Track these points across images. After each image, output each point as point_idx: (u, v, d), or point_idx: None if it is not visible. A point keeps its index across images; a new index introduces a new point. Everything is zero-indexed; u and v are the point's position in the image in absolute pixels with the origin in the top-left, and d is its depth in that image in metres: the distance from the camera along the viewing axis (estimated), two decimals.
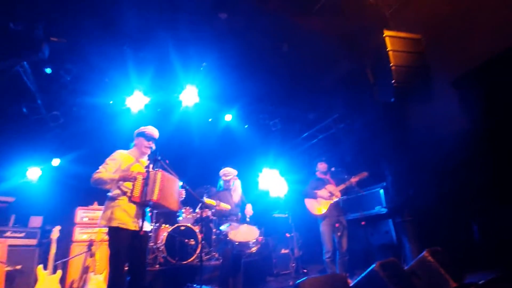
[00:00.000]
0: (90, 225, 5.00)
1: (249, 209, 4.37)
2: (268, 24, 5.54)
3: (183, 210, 5.75)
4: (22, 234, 4.97)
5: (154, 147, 3.09)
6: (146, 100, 6.31)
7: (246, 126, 7.64)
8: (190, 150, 7.20)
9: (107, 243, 4.51)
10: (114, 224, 2.74)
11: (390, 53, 4.83)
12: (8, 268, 4.47)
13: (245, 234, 3.87)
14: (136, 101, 6.19)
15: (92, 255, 4.63)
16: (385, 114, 5.40)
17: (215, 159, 6.77)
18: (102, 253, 4.68)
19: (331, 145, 6.64)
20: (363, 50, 5.88)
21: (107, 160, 2.98)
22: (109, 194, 2.90)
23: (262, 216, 6.21)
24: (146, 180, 2.81)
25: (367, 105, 6.01)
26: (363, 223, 4.82)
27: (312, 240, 5.69)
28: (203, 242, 5.07)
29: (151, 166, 2.91)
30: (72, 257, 4.65)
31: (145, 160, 3.18)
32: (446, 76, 4.61)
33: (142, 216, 2.77)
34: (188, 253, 4.94)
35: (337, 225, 4.33)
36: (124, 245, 2.73)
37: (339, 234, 4.29)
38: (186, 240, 4.97)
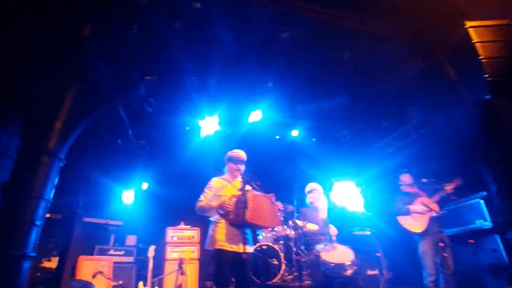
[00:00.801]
0: (179, 244, 5.29)
1: (333, 229, 4.14)
2: (328, 35, 5.43)
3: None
4: (122, 252, 5.47)
5: (243, 169, 3.15)
6: (216, 122, 6.60)
7: (313, 140, 7.48)
8: (261, 168, 7.26)
9: (196, 262, 4.69)
10: (217, 246, 2.85)
11: (477, 45, 4.29)
12: (114, 284, 4.94)
13: (340, 255, 3.65)
14: (208, 124, 6.54)
15: (183, 273, 4.86)
16: (478, 112, 4.71)
17: (285, 177, 6.73)
18: (192, 271, 4.89)
19: (411, 153, 6.02)
20: (439, 46, 5.35)
21: (205, 189, 3.19)
22: (211, 218, 3.08)
23: (340, 234, 5.85)
24: (239, 202, 2.91)
25: (451, 105, 5.34)
26: (471, 241, 4.16)
27: (402, 260, 5.13)
28: (285, 262, 4.94)
29: (245, 187, 3.00)
30: (166, 275, 4.94)
31: (238, 182, 3.24)
32: None
33: (242, 237, 2.86)
34: (272, 273, 4.84)
35: (441, 244, 3.80)
36: (227, 267, 2.81)
37: (445, 254, 3.75)
38: (270, 260, 4.89)
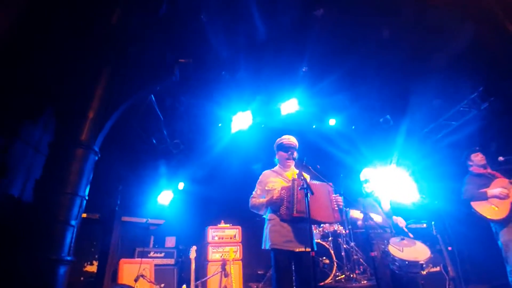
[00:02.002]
0: (221, 244, 4.90)
1: (401, 220, 3.53)
2: (366, 8, 4.84)
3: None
4: (162, 254, 5.18)
5: (295, 155, 2.67)
6: (249, 115, 6.20)
7: (353, 127, 6.83)
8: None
9: (239, 262, 4.25)
10: (268, 246, 2.54)
11: None
12: (156, 287, 4.63)
13: (415, 251, 3.05)
14: (241, 119, 6.15)
15: (226, 275, 4.47)
16: None
17: (327, 168, 6.14)
18: (235, 272, 4.47)
19: (470, 132, 5.20)
20: (496, 5, 4.56)
21: (256, 185, 2.83)
22: (264, 216, 2.72)
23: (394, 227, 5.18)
24: (289, 194, 2.48)
25: None
26: None
27: (477, 254, 4.37)
28: (336, 260, 4.40)
29: (301, 175, 2.52)
30: (210, 277, 4.56)
31: (291, 172, 2.80)
32: None
33: (298, 234, 2.44)
34: (323, 272, 4.31)
35: None
36: (284, 268, 2.42)
37: None
38: (320, 259, 4.36)
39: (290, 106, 6.13)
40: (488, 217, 3.47)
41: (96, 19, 3.01)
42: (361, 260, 5.03)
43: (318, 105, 6.45)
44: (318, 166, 2.53)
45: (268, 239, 2.54)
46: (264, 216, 2.73)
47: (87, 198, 2.44)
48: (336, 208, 2.52)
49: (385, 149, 6.69)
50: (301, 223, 2.46)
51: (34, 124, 2.69)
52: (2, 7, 2.26)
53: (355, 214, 3.28)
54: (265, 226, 2.66)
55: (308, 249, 2.43)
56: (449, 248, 4.17)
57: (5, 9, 2.27)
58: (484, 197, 3.52)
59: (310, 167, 2.52)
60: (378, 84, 6.14)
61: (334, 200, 2.53)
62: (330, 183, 2.57)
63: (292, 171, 2.80)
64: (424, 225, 5.25)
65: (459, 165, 4.48)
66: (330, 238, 4.81)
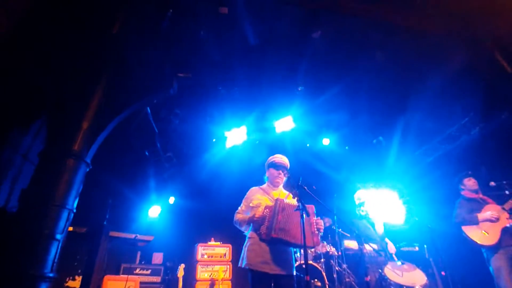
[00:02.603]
0: (210, 263, 4.73)
1: (391, 245, 3.48)
2: (362, 33, 5.01)
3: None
4: (149, 271, 4.98)
5: (286, 175, 2.63)
6: (244, 132, 6.20)
7: (346, 148, 6.87)
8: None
9: (228, 282, 4.09)
10: (243, 264, 2.43)
11: None
12: None
13: (411, 277, 2.99)
14: (235, 135, 6.14)
15: None
16: None
17: (321, 188, 6.11)
18: None
19: (462, 156, 5.28)
20: (488, 37, 4.78)
21: (243, 200, 2.76)
22: (245, 233, 2.63)
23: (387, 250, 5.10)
24: (270, 214, 2.41)
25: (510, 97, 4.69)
26: None
27: (468, 278, 4.32)
28: (328, 282, 4.27)
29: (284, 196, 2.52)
30: None
31: (278, 191, 2.75)
32: None
33: (276, 257, 2.35)
34: None
35: None
36: None
37: None
38: (312, 281, 4.23)
39: (285, 123, 6.16)
40: (479, 242, 3.45)
41: (96, 28, 3.01)
42: (353, 283, 4.91)
43: (312, 123, 6.50)
44: (314, 187, 2.49)
45: (245, 258, 2.43)
46: (245, 233, 2.64)
47: (75, 211, 2.33)
48: (316, 232, 2.41)
49: (377, 170, 6.73)
50: (281, 244, 2.39)
51: (25, 131, 2.60)
52: (2, 10, 2.23)
53: (350, 244, 3.21)
54: (244, 244, 2.57)
55: (284, 273, 2.35)
56: (443, 273, 4.12)
57: (5, 13, 2.25)
58: (476, 222, 3.52)
59: (305, 187, 2.47)
60: (372, 105, 6.26)
61: (314, 223, 2.42)
62: (312, 205, 2.48)
63: (280, 191, 2.74)
64: (416, 248, 5.20)
65: (450, 188, 4.51)
66: (322, 260, 4.70)
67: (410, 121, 5.97)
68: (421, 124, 5.65)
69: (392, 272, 3.02)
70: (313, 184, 2.66)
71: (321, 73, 5.72)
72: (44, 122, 2.69)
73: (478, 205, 3.68)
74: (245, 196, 2.76)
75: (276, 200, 2.44)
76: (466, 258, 4.35)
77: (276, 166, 2.73)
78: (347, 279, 4.96)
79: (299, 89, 5.78)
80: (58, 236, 2.10)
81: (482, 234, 3.45)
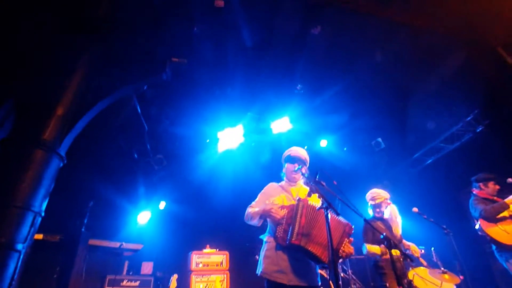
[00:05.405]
0: (206, 272, 4.22)
1: (415, 248, 3.12)
2: (362, 31, 4.77)
3: None
4: (137, 283, 4.42)
5: (304, 170, 2.23)
6: (239, 133, 5.80)
7: (345, 149, 6.55)
8: None
9: None
10: (259, 273, 2.11)
11: None
12: None
13: (442, 285, 2.60)
14: (230, 136, 5.74)
15: None
16: None
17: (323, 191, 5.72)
18: None
19: (466, 154, 4.99)
20: (490, 34, 4.60)
21: (259, 195, 2.40)
22: (262, 236, 2.26)
23: None
24: (291, 216, 2.00)
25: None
26: None
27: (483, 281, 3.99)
28: None
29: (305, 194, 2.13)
30: None
31: (299, 187, 2.37)
32: None
33: (295, 266, 1.97)
34: None
35: None
36: None
37: None
38: None
39: (281, 124, 5.80)
40: (501, 241, 3.14)
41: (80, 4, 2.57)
42: None
43: (310, 124, 6.17)
44: (335, 182, 2.08)
45: (261, 265, 2.10)
46: (261, 237, 2.26)
47: (43, 214, 1.83)
48: (343, 255, 1.99)
49: (376, 172, 6.43)
50: (297, 251, 1.98)
51: None
52: None
53: (373, 249, 2.81)
54: (261, 248, 2.20)
55: (307, 284, 1.97)
56: (461, 277, 3.76)
57: None
58: (493, 220, 3.21)
59: (323, 183, 2.07)
60: (371, 106, 6.00)
61: (345, 245, 1.99)
62: (351, 225, 2.04)
63: (299, 187, 2.37)
64: (422, 251, 4.87)
65: (453, 190, 4.22)
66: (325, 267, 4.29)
67: (411, 121, 5.71)
68: (422, 124, 5.39)
69: (428, 282, 2.62)
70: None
71: (320, 73, 5.43)
72: (12, 109, 2.20)
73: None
74: (262, 190, 2.43)
75: (299, 199, 2.04)
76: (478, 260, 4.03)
77: (292, 159, 2.38)
78: (352, 286, 4.56)
79: (298, 87, 5.44)
80: (19, 246, 1.60)
81: (504, 233, 3.13)
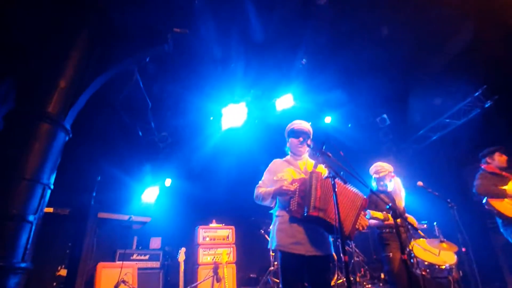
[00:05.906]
0: (212, 245, 4.32)
1: (412, 219, 3.14)
2: (366, 5, 4.55)
3: None
4: (147, 257, 4.56)
5: (309, 142, 2.21)
6: (243, 110, 5.72)
7: (349, 125, 6.48)
8: None
9: (233, 265, 3.71)
10: (273, 246, 2.14)
11: None
12: None
13: (448, 256, 2.64)
14: (234, 114, 5.67)
15: (219, 280, 3.90)
16: None
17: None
18: (229, 276, 3.92)
19: (473, 130, 4.90)
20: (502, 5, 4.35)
21: (264, 173, 2.41)
22: (272, 211, 2.27)
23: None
24: (304, 189, 2.01)
25: None
26: None
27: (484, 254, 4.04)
28: (338, 264, 3.96)
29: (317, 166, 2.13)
30: (201, 282, 3.97)
31: (305, 161, 2.34)
32: None
33: (311, 236, 2.01)
34: None
35: None
36: (290, 269, 2.03)
37: None
38: None
39: (285, 101, 5.69)
40: (510, 215, 3.14)
41: None
42: (362, 262, 4.62)
43: (314, 101, 6.06)
44: (342, 153, 2.05)
45: (274, 239, 2.11)
46: (272, 212, 2.28)
47: (52, 187, 1.84)
48: (360, 228, 2.03)
49: (380, 148, 6.39)
50: (313, 223, 2.01)
51: None
52: None
53: (376, 214, 2.82)
54: (272, 223, 2.23)
55: (322, 253, 2.01)
56: (463, 250, 3.82)
57: None
58: (503, 195, 3.19)
59: (330, 154, 2.04)
60: (376, 82, 5.84)
61: (361, 218, 2.03)
62: (366, 198, 2.05)
63: (306, 160, 2.35)
64: (425, 225, 4.92)
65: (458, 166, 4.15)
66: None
67: (417, 97, 5.58)
68: (429, 100, 5.24)
69: (426, 251, 2.66)
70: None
71: (323, 48, 5.25)
72: (13, 85, 2.15)
73: (502, 180, 3.36)
74: (267, 168, 2.41)
75: (312, 172, 2.04)
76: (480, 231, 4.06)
77: (296, 133, 2.33)
78: (355, 258, 4.66)
79: (303, 61, 5.29)
80: (31, 218, 1.62)
81: (511, 207, 3.13)
